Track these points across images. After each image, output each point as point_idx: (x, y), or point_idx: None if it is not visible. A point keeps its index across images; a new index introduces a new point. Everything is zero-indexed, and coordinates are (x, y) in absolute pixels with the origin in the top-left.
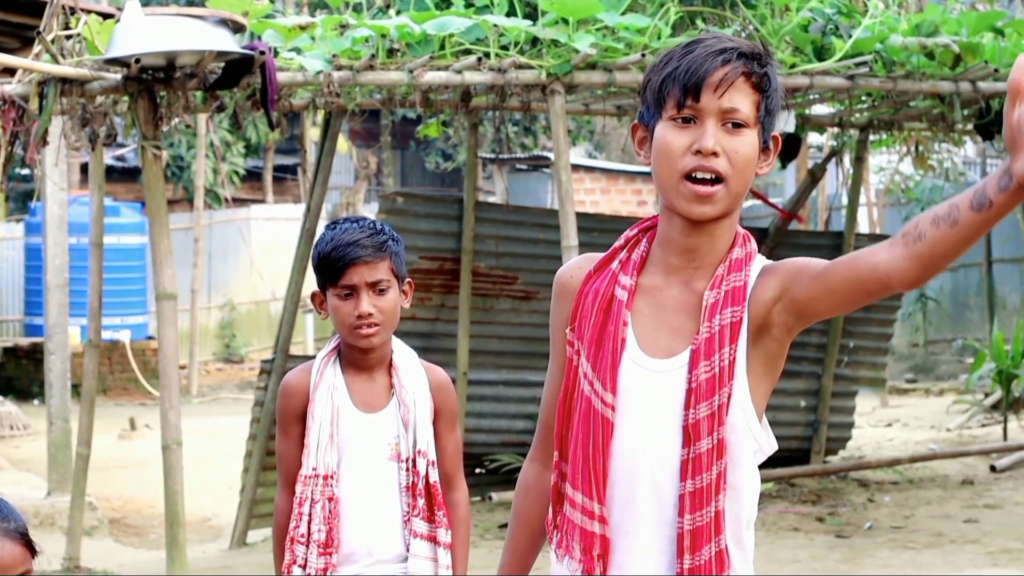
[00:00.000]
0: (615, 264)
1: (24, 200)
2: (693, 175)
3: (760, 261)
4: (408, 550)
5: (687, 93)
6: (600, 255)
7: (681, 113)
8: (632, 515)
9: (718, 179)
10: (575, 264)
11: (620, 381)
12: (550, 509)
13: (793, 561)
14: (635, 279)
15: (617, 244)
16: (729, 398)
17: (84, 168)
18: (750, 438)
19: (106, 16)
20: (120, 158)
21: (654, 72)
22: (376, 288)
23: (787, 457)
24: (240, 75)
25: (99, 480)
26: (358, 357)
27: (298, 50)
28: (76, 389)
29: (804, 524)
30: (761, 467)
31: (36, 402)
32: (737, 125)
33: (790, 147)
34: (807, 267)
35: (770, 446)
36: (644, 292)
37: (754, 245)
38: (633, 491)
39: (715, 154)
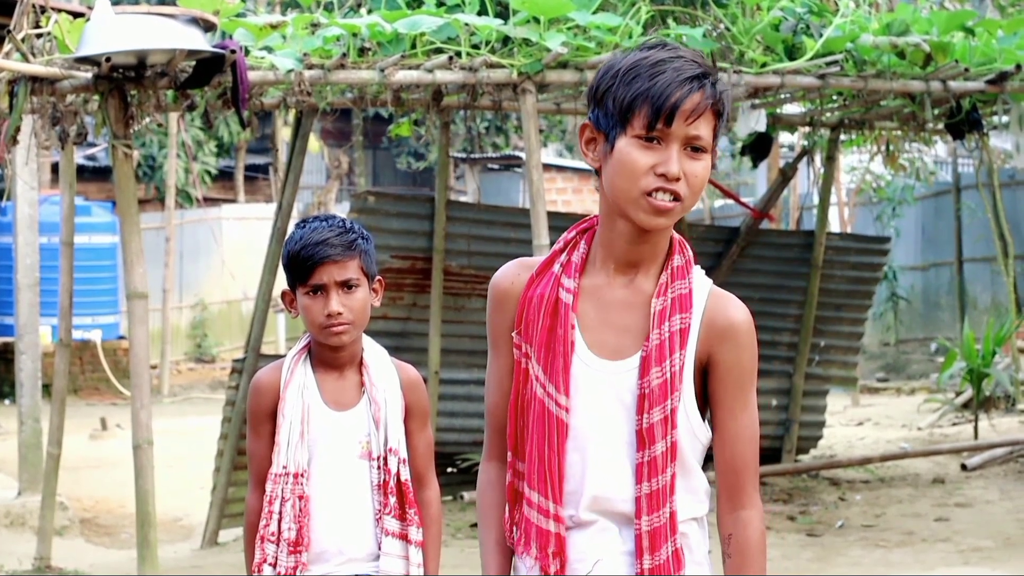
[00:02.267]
0: (556, 267)
1: None
2: (653, 193)
3: (700, 275)
4: (379, 548)
5: (659, 118)
6: (535, 259)
7: (649, 134)
8: (588, 514)
9: (677, 198)
10: (512, 270)
11: (572, 383)
12: (507, 508)
13: None
14: (578, 281)
15: (556, 247)
16: (675, 409)
17: (55, 167)
18: (694, 438)
19: (76, 15)
20: (91, 157)
21: (617, 83)
22: (346, 287)
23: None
24: (211, 74)
25: (70, 480)
26: (328, 355)
27: (269, 49)
28: (47, 389)
29: (775, 523)
30: None
31: (7, 402)
32: (697, 149)
33: (761, 146)
34: (731, 391)
35: (707, 438)
36: (587, 293)
37: (691, 252)
38: (588, 490)
39: (677, 179)
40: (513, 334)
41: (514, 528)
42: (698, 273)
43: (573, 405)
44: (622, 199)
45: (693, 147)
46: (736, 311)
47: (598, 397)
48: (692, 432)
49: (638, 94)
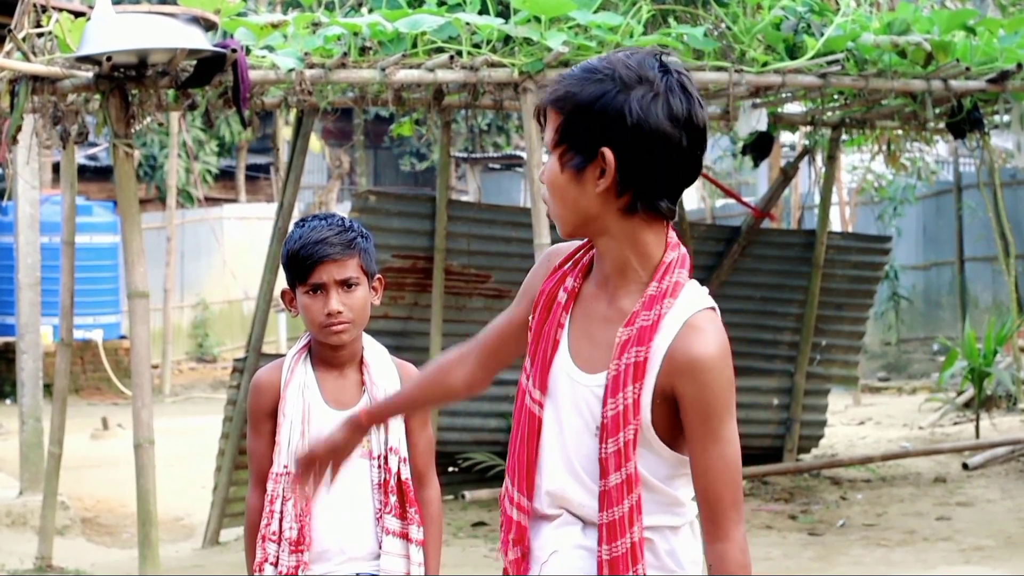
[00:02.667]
0: (568, 264)
1: None
2: None
3: (687, 300)
4: (380, 547)
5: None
6: (568, 247)
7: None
8: (552, 508)
9: None
10: (561, 248)
11: (550, 382)
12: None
13: (766, 559)
14: (579, 283)
15: (582, 243)
16: (636, 435)
17: (56, 167)
18: (662, 461)
19: (78, 14)
20: (92, 157)
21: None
22: (345, 285)
23: (760, 455)
24: (212, 73)
25: (71, 479)
26: (329, 354)
27: (270, 48)
28: (48, 388)
29: (777, 522)
30: None
31: (8, 401)
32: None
33: (762, 146)
34: (696, 426)
35: (679, 459)
36: (581, 299)
37: (678, 276)
38: (560, 491)
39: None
40: (529, 317)
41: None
42: (685, 299)
43: (547, 404)
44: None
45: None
46: (700, 347)
47: (569, 402)
48: (662, 459)
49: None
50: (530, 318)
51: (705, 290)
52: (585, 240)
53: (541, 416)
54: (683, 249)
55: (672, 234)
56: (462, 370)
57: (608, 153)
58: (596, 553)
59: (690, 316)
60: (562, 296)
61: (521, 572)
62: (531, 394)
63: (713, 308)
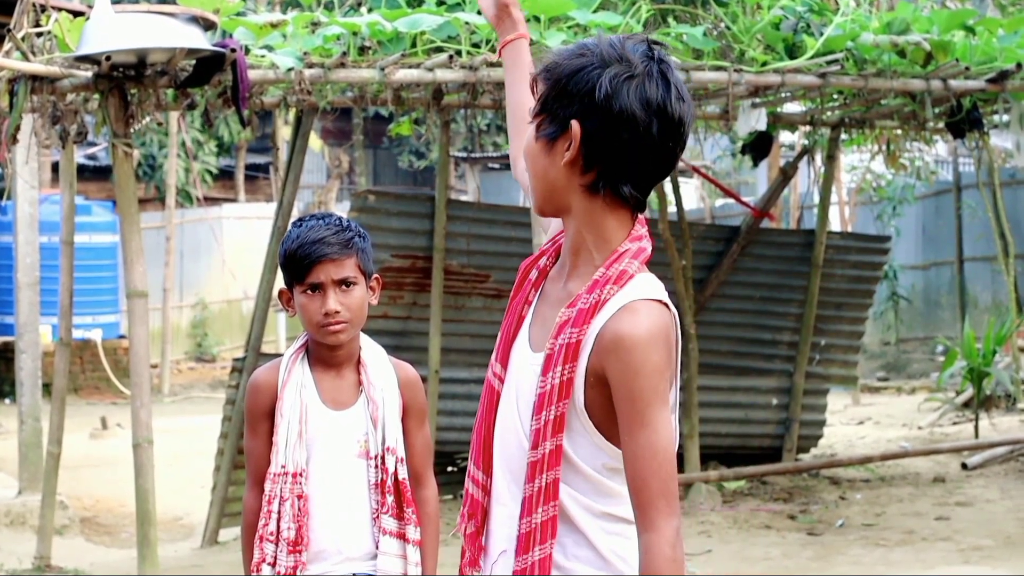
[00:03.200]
0: (549, 244)
1: None
2: None
3: (633, 288)
4: (377, 547)
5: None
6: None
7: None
8: (510, 492)
9: None
10: (554, 233)
11: (510, 358)
12: None
13: (765, 559)
14: (550, 263)
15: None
16: (562, 416)
17: (55, 167)
18: (597, 450)
19: (77, 13)
20: (92, 157)
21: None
22: (343, 285)
23: (759, 455)
24: (211, 73)
25: (70, 479)
26: (326, 354)
27: (269, 48)
28: (47, 388)
29: (776, 522)
30: (732, 464)
31: (7, 401)
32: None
33: (762, 145)
34: (622, 409)
35: (619, 461)
36: (548, 279)
37: (627, 265)
38: (511, 470)
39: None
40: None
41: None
42: (631, 287)
43: (506, 379)
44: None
45: None
46: (627, 327)
47: (517, 380)
48: (594, 445)
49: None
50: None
51: (660, 286)
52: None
53: (500, 391)
54: (647, 244)
55: (641, 228)
56: None
57: (575, 125)
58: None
59: (629, 302)
60: (533, 274)
61: (475, 547)
62: (493, 368)
63: (661, 302)
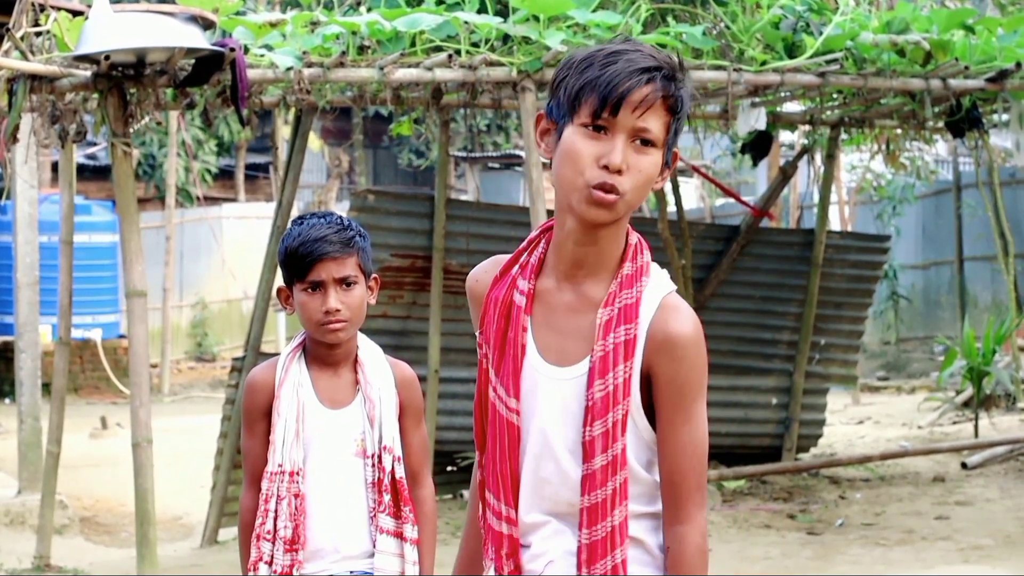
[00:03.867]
0: (515, 268)
1: None
2: (595, 185)
3: (657, 282)
4: (375, 546)
5: (605, 106)
6: (505, 257)
7: (595, 122)
8: (547, 514)
9: (617, 192)
10: (483, 268)
11: (523, 386)
12: (480, 508)
13: (765, 558)
14: (532, 283)
15: (521, 247)
16: (625, 416)
17: (55, 166)
18: (647, 448)
19: (76, 13)
20: (91, 156)
21: (571, 73)
22: (344, 284)
23: (759, 454)
24: (210, 72)
25: (70, 478)
26: (324, 353)
27: (269, 47)
28: (47, 388)
29: (776, 521)
30: (732, 464)
31: (7, 401)
32: (646, 143)
33: (761, 145)
34: (669, 405)
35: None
36: (540, 296)
37: (647, 257)
38: (541, 496)
39: (620, 171)
40: (477, 334)
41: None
42: (655, 280)
43: (524, 409)
44: (566, 189)
45: (642, 140)
46: (678, 324)
47: (546, 402)
48: (644, 443)
49: (587, 82)
50: (478, 333)
51: (665, 272)
52: (527, 243)
53: (519, 424)
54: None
55: None
56: None
57: (678, 154)
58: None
59: (663, 296)
60: (519, 299)
61: None
62: (506, 404)
63: (676, 290)
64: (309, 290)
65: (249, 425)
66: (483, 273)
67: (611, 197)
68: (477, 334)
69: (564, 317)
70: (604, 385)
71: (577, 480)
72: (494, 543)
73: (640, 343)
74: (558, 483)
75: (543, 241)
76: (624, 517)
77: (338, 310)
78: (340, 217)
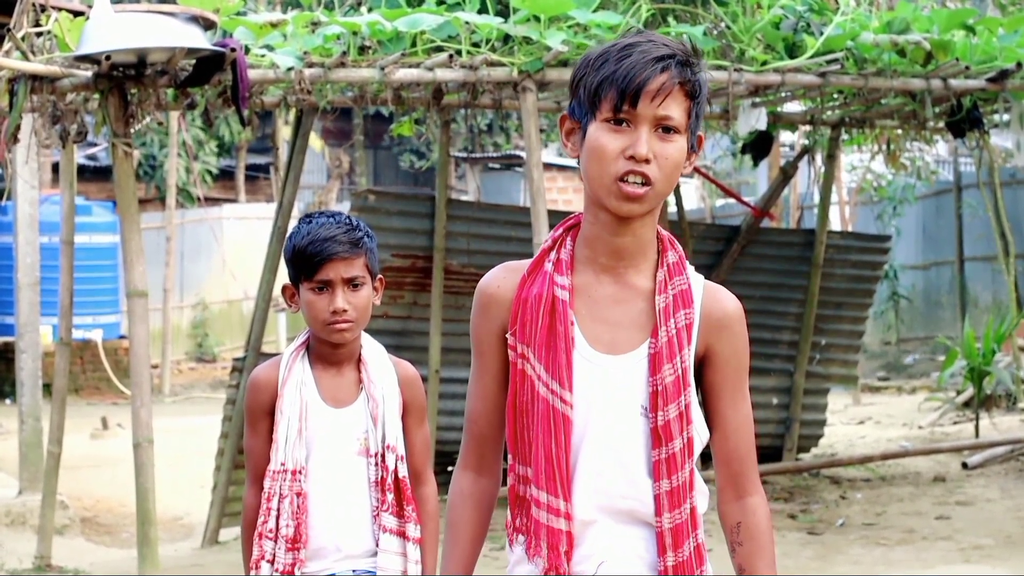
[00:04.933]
0: (548, 266)
1: None
2: (624, 178)
3: (691, 268)
4: (377, 545)
5: (624, 99)
6: (522, 262)
7: (616, 116)
8: (598, 509)
9: (647, 183)
10: (499, 274)
11: (575, 378)
12: (509, 513)
13: None
14: (571, 279)
15: (545, 245)
16: (689, 404)
17: (55, 167)
18: (698, 436)
19: (76, 13)
20: (92, 157)
21: (589, 70)
22: (351, 284)
23: (759, 454)
24: (211, 72)
25: (71, 479)
26: (327, 352)
27: (269, 47)
28: (47, 388)
29: (776, 521)
30: None
31: (7, 401)
32: (669, 130)
33: (762, 145)
34: (731, 381)
35: (707, 436)
36: (579, 290)
37: (680, 248)
38: (600, 486)
39: (647, 160)
40: (508, 336)
41: (516, 535)
42: (690, 268)
43: (576, 401)
44: (595, 185)
45: (664, 128)
46: (730, 302)
47: (600, 391)
48: (696, 430)
49: (604, 78)
50: (509, 335)
51: None
52: (551, 242)
53: (572, 417)
54: None
55: None
56: (480, 496)
57: (703, 137)
58: (648, 553)
59: (703, 280)
60: (563, 294)
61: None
62: (561, 397)
63: None
64: (317, 289)
65: (252, 423)
66: (503, 278)
67: (641, 190)
68: (508, 336)
69: (610, 308)
70: (673, 369)
71: (636, 469)
72: (550, 540)
73: (695, 327)
74: (614, 474)
75: (569, 238)
76: (694, 505)
77: (345, 310)
78: (349, 217)
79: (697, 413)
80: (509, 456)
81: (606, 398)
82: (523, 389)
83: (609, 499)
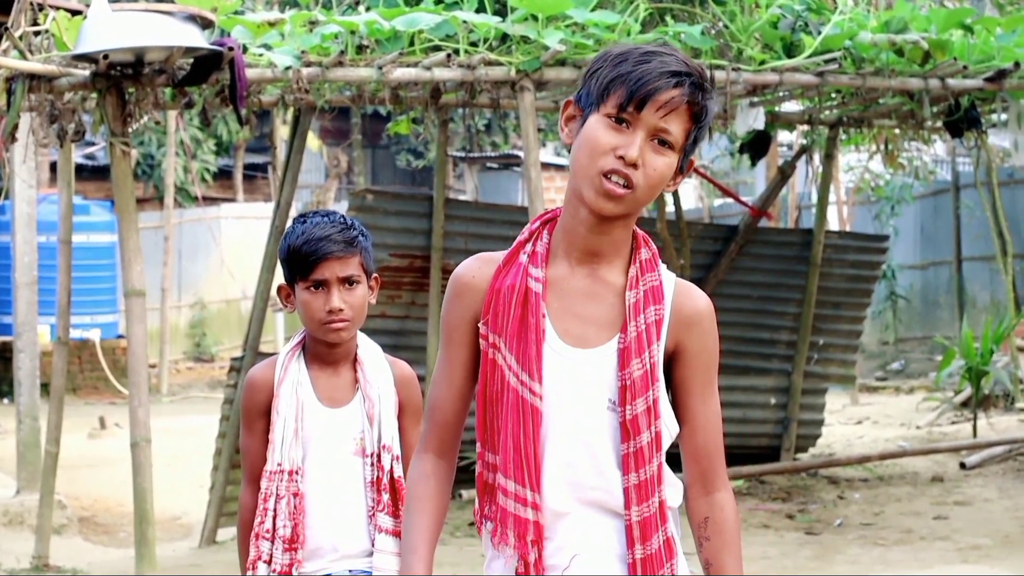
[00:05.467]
0: (523, 257)
1: None
2: (608, 175)
3: (663, 266)
4: (373, 545)
5: (631, 101)
6: (496, 253)
7: (619, 115)
8: (570, 500)
9: (628, 186)
10: (473, 264)
11: (544, 370)
12: (477, 501)
13: (763, 558)
14: (545, 271)
15: (521, 238)
16: (657, 398)
17: (53, 166)
18: (666, 430)
19: (74, 12)
20: (90, 156)
21: (605, 64)
22: (347, 283)
23: (757, 454)
24: (209, 71)
25: (68, 479)
26: (323, 352)
27: (267, 46)
28: (45, 388)
29: (774, 521)
30: (730, 464)
31: (5, 401)
32: (664, 143)
33: (760, 144)
34: (700, 377)
35: (676, 430)
36: (552, 283)
37: (655, 247)
38: (570, 477)
39: (635, 165)
40: (480, 325)
41: (484, 521)
42: (662, 266)
43: (546, 392)
44: (580, 176)
45: (660, 140)
46: (700, 300)
47: (570, 384)
48: (665, 424)
49: (618, 75)
50: (481, 324)
51: None
52: (528, 234)
53: (542, 409)
54: None
55: None
56: (442, 476)
57: (693, 162)
58: (619, 546)
59: (674, 277)
60: (536, 286)
61: (540, 572)
62: (530, 388)
63: None
64: (312, 289)
65: (248, 424)
66: (478, 268)
67: (621, 191)
68: (480, 325)
69: (582, 302)
70: (642, 364)
71: (605, 461)
72: (517, 529)
73: (665, 323)
74: (584, 466)
75: (545, 232)
76: (662, 499)
77: (340, 310)
78: (343, 216)
79: (666, 407)
80: (478, 444)
81: (575, 391)
82: (493, 379)
83: (580, 490)
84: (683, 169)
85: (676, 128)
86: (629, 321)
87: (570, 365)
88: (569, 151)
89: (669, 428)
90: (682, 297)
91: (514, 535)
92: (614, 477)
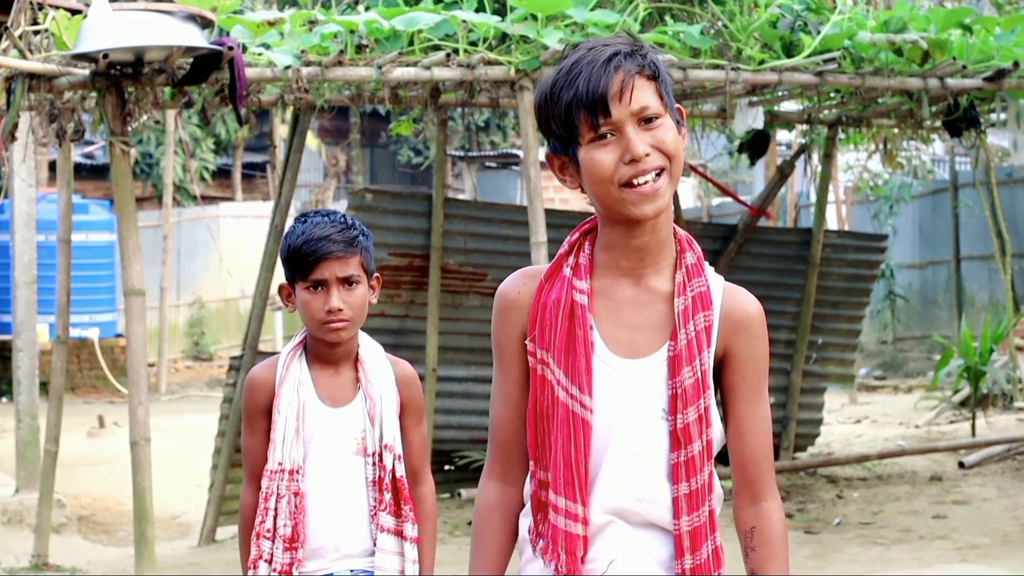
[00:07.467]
0: (566, 270)
1: None
2: (632, 182)
3: (710, 269)
4: (375, 544)
5: (596, 113)
6: (540, 267)
7: (598, 133)
8: (616, 514)
9: (658, 172)
10: (518, 280)
11: (595, 383)
12: (531, 518)
13: None
14: (590, 282)
15: (562, 251)
16: (708, 407)
17: (52, 165)
18: (719, 435)
19: (74, 12)
20: (89, 156)
21: (549, 104)
22: (347, 283)
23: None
24: (208, 71)
25: (68, 477)
26: (324, 351)
27: (267, 46)
28: (44, 387)
29: None
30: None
31: (4, 400)
32: (651, 119)
33: (759, 144)
34: (750, 383)
35: (723, 438)
36: (598, 294)
37: (699, 248)
38: (608, 493)
39: (647, 155)
40: (527, 342)
41: (538, 540)
42: (709, 269)
43: (596, 405)
44: (607, 202)
45: (646, 119)
46: (750, 303)
47: (621, 396)
48: (715, 431)
49: (568, 104)
50: (528, 341)
51: None
52: (568, 247)
53: (592, 421)
54: None
55: None
56: (508, 507)
57: (682, 110)
58: (661, 553)
59: (722, 281)
60: (581, 299)
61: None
62: (581, 403)
63: None
64: (312, 289)
65: (249, 423)
66: (523, 284)
67: (656, 183)
68: (527, 342)
69: (630, 311)
70: (693, 372)
71: (655, 472)
72: (568, 546)
73: (715, 329)
74: (632, 478)
75: (587, 243)
76: (712, 509)
77: (340, 309)
78: (344, 216)
79: (715, 415)
80: (531, 462)
81: (626, 402)
82: (543, 394)
83: (623, 502)
84: (680, 121)
85: (647, 98)
86: (679, 329)
87: (620, 376)
88: (582, 192)
89: (717, 436)
90: (731, 301)
91: (564, 551)
92: (663, 488)
